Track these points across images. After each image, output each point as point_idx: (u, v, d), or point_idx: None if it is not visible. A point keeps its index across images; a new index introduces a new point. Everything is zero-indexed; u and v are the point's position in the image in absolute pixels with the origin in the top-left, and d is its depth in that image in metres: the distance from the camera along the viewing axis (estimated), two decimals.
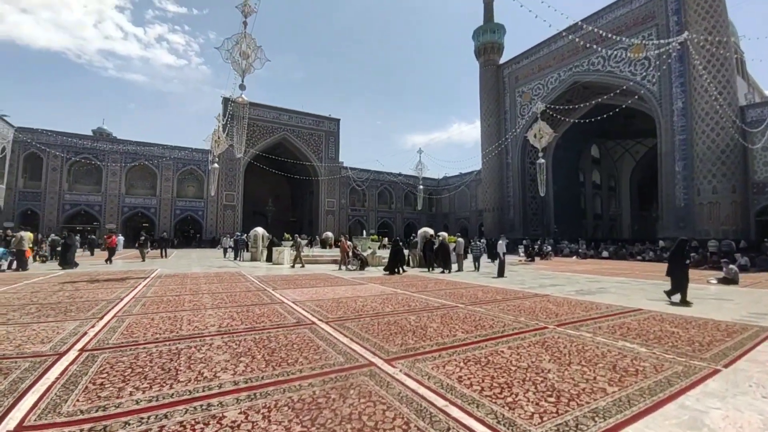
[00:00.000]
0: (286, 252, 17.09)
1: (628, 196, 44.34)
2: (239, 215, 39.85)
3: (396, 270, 13.10)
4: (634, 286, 9.96)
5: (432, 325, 5.16)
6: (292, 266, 15.62)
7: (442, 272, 13.37)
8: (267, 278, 11.18)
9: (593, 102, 32.68)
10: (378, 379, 3.27)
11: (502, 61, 41.01)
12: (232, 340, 4.44)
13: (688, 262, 7.82)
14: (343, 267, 14.95)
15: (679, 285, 7.47)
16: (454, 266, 14.66)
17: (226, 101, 39.66)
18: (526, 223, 37.09)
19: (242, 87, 11.82)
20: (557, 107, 32.85)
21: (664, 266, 8.12)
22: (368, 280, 11.16)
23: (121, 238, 25.59)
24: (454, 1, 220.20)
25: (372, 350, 4.03)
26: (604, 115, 30.24)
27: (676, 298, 7.46)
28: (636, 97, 28.71)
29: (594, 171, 43.87)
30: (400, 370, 3.43)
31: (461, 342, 4.34)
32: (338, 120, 45.83)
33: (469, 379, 3.21)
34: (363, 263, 15.06)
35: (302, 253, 16.13)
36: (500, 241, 13.09)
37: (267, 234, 20.51)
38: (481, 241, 20.97)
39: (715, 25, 23.48)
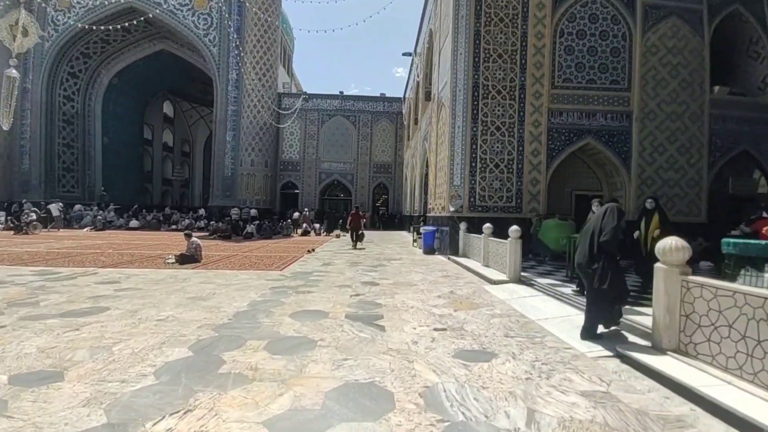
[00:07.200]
0: None
1: (201, 164, 43.68)
2: None
3: None
4: None
5: None
6: None
7: None
8: None
9: (156, 44, 27.70)
10: None
11: None
12: None
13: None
14: None
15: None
16: None
17: None
18: (53, 181, 26.23)
19: None
20: (107, 28, 24.67)
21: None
22: None
23: None
24: None
25: None
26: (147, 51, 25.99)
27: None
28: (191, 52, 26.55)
29: (167, 131, 39.30)
30: None
31: None
32: None
33: None
34: None
35: None
36: None
37: None
38: None
39: (269, 9, 25.12)
